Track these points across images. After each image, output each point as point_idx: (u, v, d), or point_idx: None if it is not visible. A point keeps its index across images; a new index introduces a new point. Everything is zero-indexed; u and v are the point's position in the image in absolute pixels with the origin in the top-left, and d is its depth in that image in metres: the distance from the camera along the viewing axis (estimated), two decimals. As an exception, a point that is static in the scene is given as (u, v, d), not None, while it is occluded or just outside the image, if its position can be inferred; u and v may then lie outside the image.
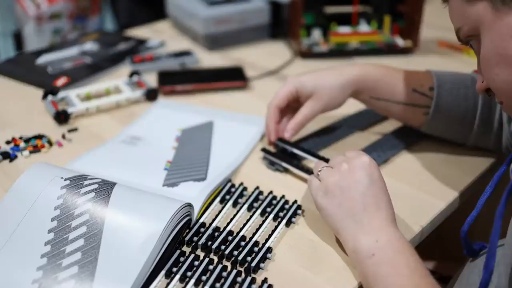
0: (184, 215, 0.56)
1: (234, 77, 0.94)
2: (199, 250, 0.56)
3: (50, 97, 0.85)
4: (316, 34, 1.09)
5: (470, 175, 0.69)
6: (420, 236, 0.60)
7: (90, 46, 1.11)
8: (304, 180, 0.67)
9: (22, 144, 0.75)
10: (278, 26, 1.15)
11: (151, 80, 0.95)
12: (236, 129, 0.80)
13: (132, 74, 0.93)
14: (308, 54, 1.06)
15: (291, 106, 0.74)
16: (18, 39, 1.98)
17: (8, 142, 0.76)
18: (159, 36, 1.20)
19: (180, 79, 0.94)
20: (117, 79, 0.93)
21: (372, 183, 0.54)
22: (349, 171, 0.55)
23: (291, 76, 0.73)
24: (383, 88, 0.70)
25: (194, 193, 0.64)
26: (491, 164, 0.71)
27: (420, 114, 0.70)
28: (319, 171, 0.58)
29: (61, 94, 0.87)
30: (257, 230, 0.58)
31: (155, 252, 0.52)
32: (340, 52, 1.07)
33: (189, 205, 0.57)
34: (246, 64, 1.04)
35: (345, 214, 0.53)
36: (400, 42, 1.09)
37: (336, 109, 0.73)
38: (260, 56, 1.07)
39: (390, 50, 1.07)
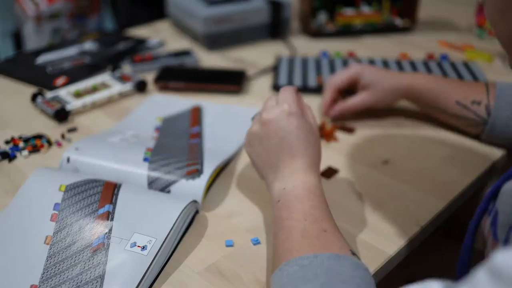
0: (191, 212, 0.59)
1: (231, 81, 0.93)
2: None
3: (40, 98, 0.85)
4: (322, 16, 1.19)
5: (470, 175, 0.69)
6: (421, 236, 0.60)
7: (89, 45, 1.11)
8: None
9: (21, 144, 0.75)
10: (278, 26, 1.14)
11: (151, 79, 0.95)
12: (230, 112, 0.81)
13: (114, 69, 0.95)
14: (318, 33, 1.16)
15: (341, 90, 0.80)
16: (17, 38, 1.98)
17: (7, 142, 0.76)
18: (159, 35, 1.19)
19: (177, 76, 0.94)
20: (101, 76, 0.94)
21: (288, 133, 0.54)
22: (266, 123, 0.56)
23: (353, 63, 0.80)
24: (428, 98, 0.75)
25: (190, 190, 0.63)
26: (491, 164, 0.71)
27: (466, 126, 0.74)
28: (252, 118, 0.61)
29: (49, 94, 0.87)
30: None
31: (166, 251, 0.54)
32: (346, 31, 1.17)
33: (194, 201, 0.60)
34: (246, 64, 1.04)
35: (264, 164, 0.56)
36: (398, 22, 1.19)
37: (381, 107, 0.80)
38: (260, 56, 1.07)
39: (390, 29, 1.19)
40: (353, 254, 0.46)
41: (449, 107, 0.74)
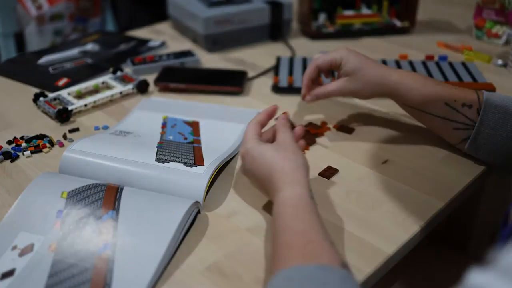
0: (193, 212, 0.59)
1: (232, 82, 0.93)
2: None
3: (42, 99, 0.86)
4: (322, 17, 1.20)
5: (470, 175, 0.69)
6: (419, 235, 0.60)
7: (91, 46, 1.12)
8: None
9: (23, 144, 0.75)
10: (278, 27, 1.15)
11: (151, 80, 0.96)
12: (222, 128, 0.80)
13: (115, 70, 0.96)
14: (317, 35, 1.17)
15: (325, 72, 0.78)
16: (19, 39, 1.99)
17: (9, 142, 0.77)
18: (160, 37, 1.20)
19: (178, 77, 0.95)
20: (102, 76, 0.95)
21: (252, 171, 0.60)
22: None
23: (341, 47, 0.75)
24: (415, 98, 0.69)
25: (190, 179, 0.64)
26: (489, 165, 0.71)
27: (451, 130, 0.69)
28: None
29: (51, 95, 0.88)
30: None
31: (169, 252, 0.54)
32: (346, 32, 1.18)
33: (196, 202, 0.60)
34: (246, 65, 1.04)
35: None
36: (397, 23, 1.20)
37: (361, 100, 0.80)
38: (261, 57, 1.08)
39: (389, 30, 1.20)
40: (344, 266, 0.45)
41: (438, 109, 0.68)
